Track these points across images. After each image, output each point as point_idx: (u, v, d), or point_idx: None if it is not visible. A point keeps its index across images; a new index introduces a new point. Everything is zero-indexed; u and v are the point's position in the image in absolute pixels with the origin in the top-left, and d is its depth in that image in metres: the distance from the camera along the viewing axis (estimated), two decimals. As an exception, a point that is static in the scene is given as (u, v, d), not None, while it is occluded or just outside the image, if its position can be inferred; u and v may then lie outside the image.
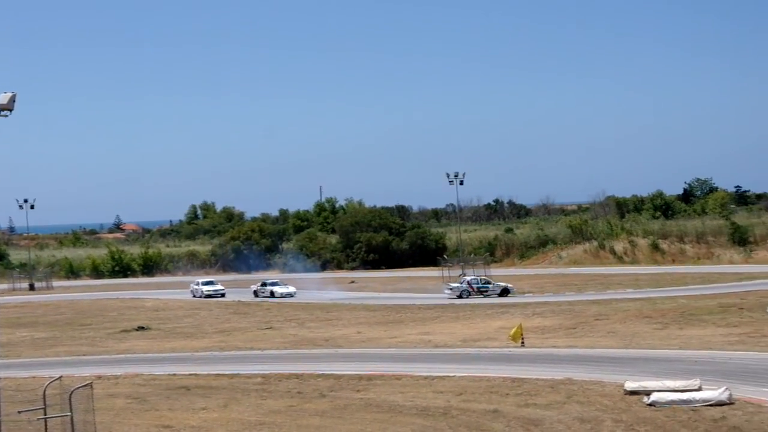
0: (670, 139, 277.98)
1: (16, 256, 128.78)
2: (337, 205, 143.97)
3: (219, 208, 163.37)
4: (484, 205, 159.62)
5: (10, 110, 23.93)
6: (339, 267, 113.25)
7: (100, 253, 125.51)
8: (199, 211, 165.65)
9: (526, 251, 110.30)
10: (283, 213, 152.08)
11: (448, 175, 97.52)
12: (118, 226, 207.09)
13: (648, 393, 28.60)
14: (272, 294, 77.31)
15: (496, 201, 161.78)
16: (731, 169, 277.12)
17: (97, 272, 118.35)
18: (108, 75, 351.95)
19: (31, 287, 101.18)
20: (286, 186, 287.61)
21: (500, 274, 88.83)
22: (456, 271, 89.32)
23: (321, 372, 37.36)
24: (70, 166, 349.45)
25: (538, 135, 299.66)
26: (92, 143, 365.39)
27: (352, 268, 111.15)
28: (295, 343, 49.13)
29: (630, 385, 29.82)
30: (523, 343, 42.42)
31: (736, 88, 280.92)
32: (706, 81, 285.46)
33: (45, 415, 26.31)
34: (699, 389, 28.37)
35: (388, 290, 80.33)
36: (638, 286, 72.13)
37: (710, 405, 27.10)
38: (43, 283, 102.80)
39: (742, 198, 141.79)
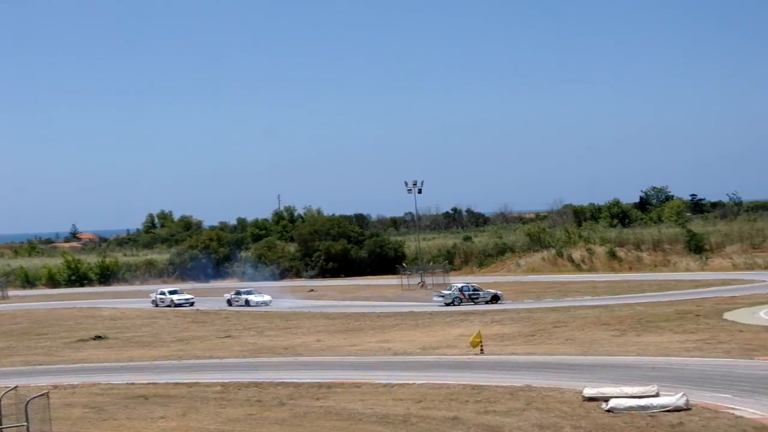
0: (627, 148, 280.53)
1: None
2: (295, 214, 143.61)
3: (177, 216, 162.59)
4: (443, 214, 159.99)
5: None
6: (298, 275, 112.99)
7: (56, 262, 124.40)
8: (156, 220, 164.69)
9: (484, 259, 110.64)
10: (242, 222, 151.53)
11: (406, 184, 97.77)
12: (74, 235, 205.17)
13: (606, 399, 28.77)
14: (247, 303, 76.32)
15: (455, 209, 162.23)
16: (687, 177, 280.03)
17: (53, 282, 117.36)
18: (62, 84, 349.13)
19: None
20: (244, 195, 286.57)
21: (459, 281, 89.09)
22: (415, 279, 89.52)
23: (280, 380, 37.26)
24: (26, 175, 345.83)
25: (496, 143, 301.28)
26: (47, 152, 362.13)
27: (311, 277, 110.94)
28: (254, 351, 48.97)
29: (588, 391, 29.98)
30: (482, 350, 42.54)
31: (691, 98, 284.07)
32: (662, 91, 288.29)
33: (0, 425, 26.00)
34: (656, 395, 28.59)
35: (348, 298, 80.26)
36: (596, 293, 72.60)
37: (668, 411, 27.32)
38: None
39: (697, 206, 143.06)
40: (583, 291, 74.75)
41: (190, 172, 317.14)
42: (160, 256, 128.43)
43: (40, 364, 47.83)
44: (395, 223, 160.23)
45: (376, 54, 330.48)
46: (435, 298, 70.31)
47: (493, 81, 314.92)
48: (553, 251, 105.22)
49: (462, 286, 71.36)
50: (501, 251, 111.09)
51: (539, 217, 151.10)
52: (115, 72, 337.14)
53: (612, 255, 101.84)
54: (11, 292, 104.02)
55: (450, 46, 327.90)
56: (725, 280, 78.41)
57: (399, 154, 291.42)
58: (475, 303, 68.34)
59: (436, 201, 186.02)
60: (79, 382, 39.73)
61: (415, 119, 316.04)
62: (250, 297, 77.32)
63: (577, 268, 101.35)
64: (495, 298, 69.16)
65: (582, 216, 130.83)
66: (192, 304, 79.02)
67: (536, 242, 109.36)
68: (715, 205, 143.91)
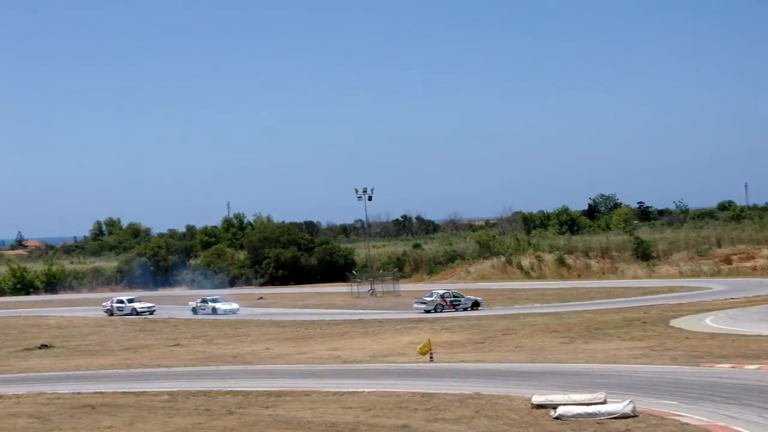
0: (575, 155, 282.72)
1: None
2: (245, 221, 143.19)
3: (125, 224, 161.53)
4: (393, 221, 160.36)
5: None
6: (248, 283, 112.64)
7: (1, 270, 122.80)
8: (104, 227, 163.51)
9: (434, 266, 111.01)
10: (191, 229, 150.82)
11: (356, 191, 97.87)
12: (20, 243, 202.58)
13: (554, 406, 28.89)
14: (215, 311, 74.51)
15: (405, 217, 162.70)
16: (634, 185, 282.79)
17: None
18: (12, 89, 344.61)
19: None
20: (193, 202, 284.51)
21: (409, 289, 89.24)
22: (365, 287, 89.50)
23: (229, 389, 36.98)
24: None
25: (446, 151, 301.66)
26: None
27: (261, 284, 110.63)
28: (203, 360, 48.64)
29: (537, 398, 30.09)
30: (431, 358, 42.57)
31: (637, 108, 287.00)
32: (612, 100, 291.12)
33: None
34: (604, 402, 28.75)
35: (297, 306, 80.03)
36: (545, 300, 73.06)
37: (615, 418, 27.48)
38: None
39: (645, 214, 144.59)
40: (532, 298, 75.20)
41: (139, 178, 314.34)
42: (108, 263, 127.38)
43: (-16, 374, 47.09)
44: (345, 230, 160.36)
45: (325, 59, 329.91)
46: (415, 305, 69.34)
47: (440, 88, 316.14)
48: (503, 258, 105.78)
49: (443, 293, 70.63)
50: (451, 258, 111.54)
51: (489, 224, 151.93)
52: (56, 78, 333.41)
53: (561, 262, 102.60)
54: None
55: (398, 52, 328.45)
56: (672, 288, 79.36)
57: (349, 161, 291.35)
58: (456, 309, 67.91)
59: (387, 208, 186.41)
60: (24, 392, 39.11)
61: (365, 126, 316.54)
62: (218, 305, 75.51)
63: (527, 275, 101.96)
64: (475, 305, 68.76)
65: (531, 223, 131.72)
66: (152, 312, 77.40)
67: (486, 249, 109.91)
68: (662, 212, 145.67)
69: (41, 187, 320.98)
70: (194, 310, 75.95)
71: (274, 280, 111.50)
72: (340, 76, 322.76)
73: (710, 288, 77.11)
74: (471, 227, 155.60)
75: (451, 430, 27.69)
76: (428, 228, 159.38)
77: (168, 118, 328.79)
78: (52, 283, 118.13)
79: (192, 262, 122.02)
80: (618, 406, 28.06)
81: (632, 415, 27.58)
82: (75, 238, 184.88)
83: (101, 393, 37.87)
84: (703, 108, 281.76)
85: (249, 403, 33.78)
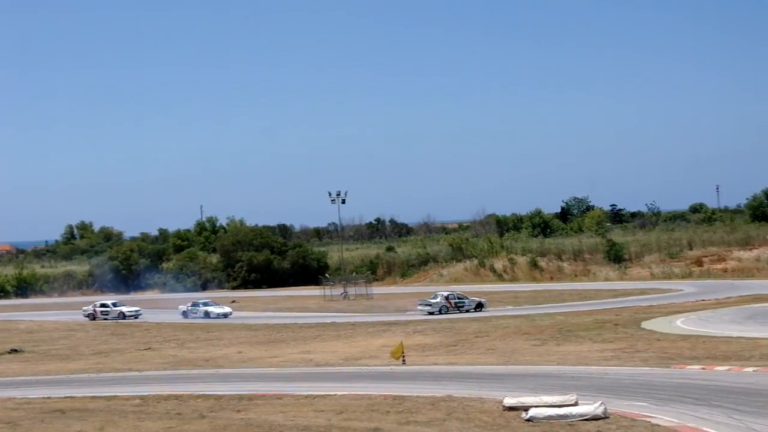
0: (548, 158, 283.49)
1: None
2: (218, 224, 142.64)
3: (97, 227, 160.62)
4: (366, 224, 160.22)
5: None
6: (220, 287, 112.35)
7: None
8: (75, 231, 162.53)
9: (407, 269, 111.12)
10: (163, 232, 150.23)
11: (329, 194, 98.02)
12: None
13: (526, 408, 28.95)
14: (207, 314, 73.22)
15: (378, 220, 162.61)
16: (606, 188, 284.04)
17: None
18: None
19: None
20: (165, 205, 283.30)
21: (382, 292, 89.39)
22: (337, 290, 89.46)
23: (201, 393, 36.85)
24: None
25: (419, 153, 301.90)
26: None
27: (234, 288, 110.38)
28: (174, 364, 48.43)
29: (508, 401, 30.14)
30: (404, 360, 42.57)
31: (612, 110, 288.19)
32: (583, 103, 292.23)
33: None
34: (575, 404, 28.84)
35: (270, 309, 79.86)
36: (517, 303, 73.25)
37: (586, 419, 27.57)
38: None
39: (617, 216, 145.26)
40: (505, 301, 75.36)
41: (111, 182, 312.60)
42: (80, 267, 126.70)
43: (-47, 379, 46.66)
44: (318, 233, 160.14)
45: (295, 62, 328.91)
46: (419, 307, 68.62)
47: (413, 90, 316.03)
48: (476, 261, 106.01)
49: (448, 294, 70.15)
50: (424, 261, 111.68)
51: (462, 227, 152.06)
52: (26, 81, 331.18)
53: (534, 265, 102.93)
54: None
55: (372, 55, 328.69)
56: (643, 290, 79.76)
57: (322, 164, 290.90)
58: (461, 311, 67.68)
59: (360, 211, 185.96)
60: (-7, 397, 38.86)
61: (338, 128, 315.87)
62: (210, 308, 74.26)
63: (500, 278, 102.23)
64: (479, 306, 68.63)
65: (504, 226, 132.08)
66: (138, 316, 76.08)
67: (459, 252, 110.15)
68: (634, 215, 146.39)
69: (12, 190, 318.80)
70: (185, 314, 74.61)
71: (246, 284, 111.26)
72: (311, 80, 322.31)
73: (681, 290, 77.55)
74: (444, 230, 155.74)
75: (423, 433, 27.69)
76: (401, 231, 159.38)
77: (139, 121, 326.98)
78: (23, 288, 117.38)
79: (164, 265, 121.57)
80: (589, 407, 28.14)
81: (603, 417, 27.67)
82: (46, 242, 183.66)
83: (72, 397, 37.62)
84: (675, 111, 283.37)
85: (221, 407, 33.67)
